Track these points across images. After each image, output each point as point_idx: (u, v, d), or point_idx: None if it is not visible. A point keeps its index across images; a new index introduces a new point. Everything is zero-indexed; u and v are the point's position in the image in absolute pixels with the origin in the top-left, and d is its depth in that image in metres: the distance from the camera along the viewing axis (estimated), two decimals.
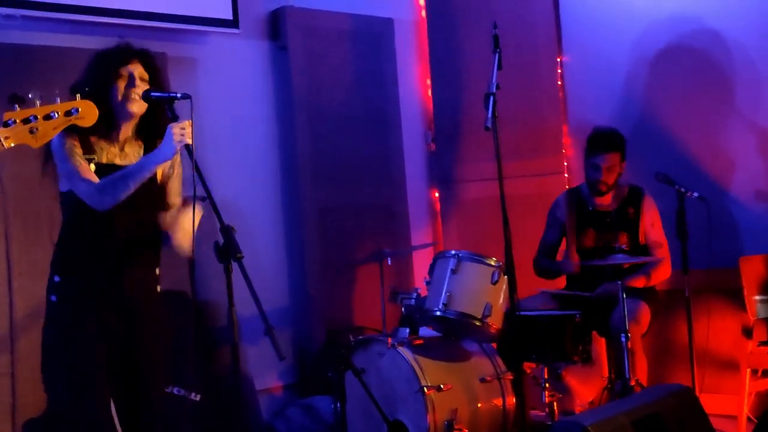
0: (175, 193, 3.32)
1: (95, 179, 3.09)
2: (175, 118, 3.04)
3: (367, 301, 5.25)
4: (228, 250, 2.80)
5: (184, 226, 3.18)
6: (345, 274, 5.38)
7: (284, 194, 5.34)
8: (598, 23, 5.57)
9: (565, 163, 5.66)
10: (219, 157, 4.98)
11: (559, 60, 5.73)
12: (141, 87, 3.16)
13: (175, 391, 4.02)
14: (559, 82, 5.72)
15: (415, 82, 6.02)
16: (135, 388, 3.23)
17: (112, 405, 3.21)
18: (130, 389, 3.22)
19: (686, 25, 5.15)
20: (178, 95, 3.04)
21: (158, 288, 3.33)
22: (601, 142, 4.62)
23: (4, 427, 4.04)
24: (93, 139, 3.16)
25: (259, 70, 5.29)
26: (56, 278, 3.16)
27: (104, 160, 3.16)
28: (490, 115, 3.51)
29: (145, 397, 3.24)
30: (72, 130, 3.09)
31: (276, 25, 5.31)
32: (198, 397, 4.37)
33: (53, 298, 3.15)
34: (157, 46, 4.60)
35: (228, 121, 5.09)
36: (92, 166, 3.12)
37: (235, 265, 2.82)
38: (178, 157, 3.30)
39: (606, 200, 4.65)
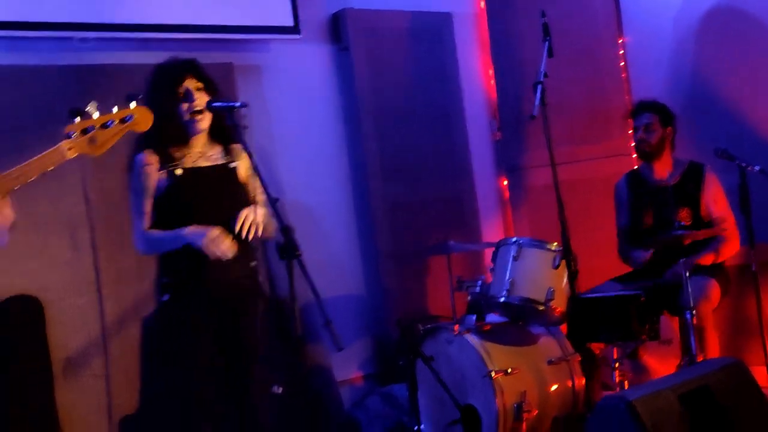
0: (258, 191, 3.47)
1: (146, 222, 3.38)
2: (235, 126, 3.23)
3: (439, 291, 5.33)
4: (288, 248, 2.96)
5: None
6: (417, 266, 5.47)
7: (355, 192, 5.46)
8: (658, 1, 5.56)
9: (632, 144, 5.65)
10: (290, 160, 5.14)
11: (620, 41, 5.74)
12: (200, 98, 3.36)
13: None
14: (622, 63, 5.73)
15: (477, 74, 6.04)
16: (240, 383, 3.42)
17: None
18: (235, 384, 3.42)
19: None
20: (238, 104, 3.24)
21: (259, 279, 3.54)
22: (637, 106, 4.91)
23: (102, 425, 4.29)
24: (173, 149, 3.39)
25: (323, 73, 5.41)
26: (164, 279, 3.41)
27: (190, 165, 3.38)
28: (537, 102, 3.58)
29: (250, 393, 3.44)
30: (151, 146, 3.37)
31: (337, 28, 5.42)
32: (280, 390, 4.54)
33: (165, 297, 3.39)
34: (223, 57, 4.83)
35: (296, 125, 5.24)
36: (179, 171, 3.36)
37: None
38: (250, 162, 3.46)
39: (664, 174, 4.67)
